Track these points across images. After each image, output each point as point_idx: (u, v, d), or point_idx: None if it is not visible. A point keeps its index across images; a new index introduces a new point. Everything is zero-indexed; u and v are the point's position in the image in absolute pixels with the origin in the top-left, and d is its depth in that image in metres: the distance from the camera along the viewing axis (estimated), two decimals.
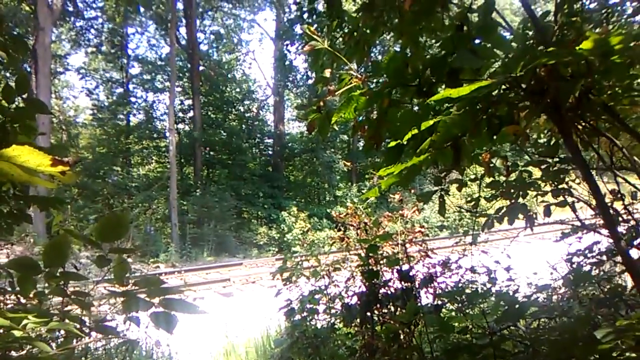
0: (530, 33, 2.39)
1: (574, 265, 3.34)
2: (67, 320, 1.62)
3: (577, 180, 3.09)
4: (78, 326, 1.67)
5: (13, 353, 1.77)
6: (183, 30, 28.02)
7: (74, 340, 1.83)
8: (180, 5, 26.21)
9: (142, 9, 26.79)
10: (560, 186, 2.90)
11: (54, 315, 1.58)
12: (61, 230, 1.83)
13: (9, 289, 2.28)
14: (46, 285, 1.75)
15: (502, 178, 2.96)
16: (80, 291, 1.92)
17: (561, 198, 2.90)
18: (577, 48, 1.40)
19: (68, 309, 1.91)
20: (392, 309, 3.28)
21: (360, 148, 27.19)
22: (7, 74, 18.54)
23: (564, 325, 2.71)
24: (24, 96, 2.15)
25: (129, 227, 1.61)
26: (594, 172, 2.07)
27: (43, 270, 1.68)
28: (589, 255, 3.33)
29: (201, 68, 27.76)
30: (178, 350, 6.34)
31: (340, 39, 3.16)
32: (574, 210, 2.92)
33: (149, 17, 28.35)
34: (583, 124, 2.08)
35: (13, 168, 0.91)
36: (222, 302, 10.50)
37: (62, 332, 1.80)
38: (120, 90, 29.97)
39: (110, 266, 1.69)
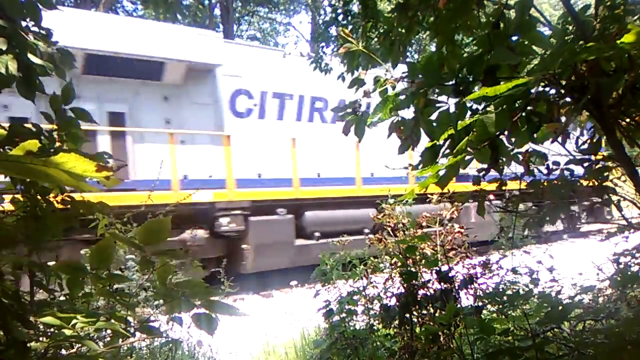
0: (571, 28, 2.33)
1: (621, 266, 3.23)
2: (113, 321, 1.67)
3: (623, 178, 2.99)
4: (123, 326, 1.72)
5: (63, 351, 1.84)
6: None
7: (120, 340, 1.88)
8: (217, 11, 26.69)
9: (179, 17, 27.34)
10: (603, 184, 2.81)
11: (101, 316, 1.64)
12: (106, 233, 1.89)
13: (58, 289, 2.37)
14: (93, 286, 1.81)
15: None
16: (125, 292, 1.99)
17: (605, 197, 2.81)
18: (618, 42, 1.36)
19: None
20: (432, 310, 3.24)
21: None
22: None
23: (611, 328, 2.63)
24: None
25: (170, 231, 1.66)
26: (639, 170, 2.00)
27: (90, 272, 1.74)
28: (637, 255, 3.22)
29: None
30: (219, 350, 6.43)
31: (376, 40, 3.15)
32: (620, 209, 2.83)
33: (187, 24, 28.88)
34: (627, 120, 2.02)
35: (61, 174, 0.95)
36: (261, 302, 10.59)
37: (109, 331, 1.85)
38: None
39: (154, 268, 1.74)
